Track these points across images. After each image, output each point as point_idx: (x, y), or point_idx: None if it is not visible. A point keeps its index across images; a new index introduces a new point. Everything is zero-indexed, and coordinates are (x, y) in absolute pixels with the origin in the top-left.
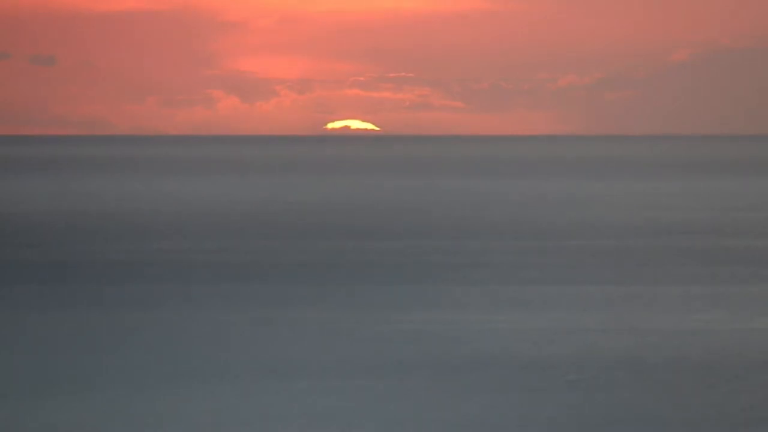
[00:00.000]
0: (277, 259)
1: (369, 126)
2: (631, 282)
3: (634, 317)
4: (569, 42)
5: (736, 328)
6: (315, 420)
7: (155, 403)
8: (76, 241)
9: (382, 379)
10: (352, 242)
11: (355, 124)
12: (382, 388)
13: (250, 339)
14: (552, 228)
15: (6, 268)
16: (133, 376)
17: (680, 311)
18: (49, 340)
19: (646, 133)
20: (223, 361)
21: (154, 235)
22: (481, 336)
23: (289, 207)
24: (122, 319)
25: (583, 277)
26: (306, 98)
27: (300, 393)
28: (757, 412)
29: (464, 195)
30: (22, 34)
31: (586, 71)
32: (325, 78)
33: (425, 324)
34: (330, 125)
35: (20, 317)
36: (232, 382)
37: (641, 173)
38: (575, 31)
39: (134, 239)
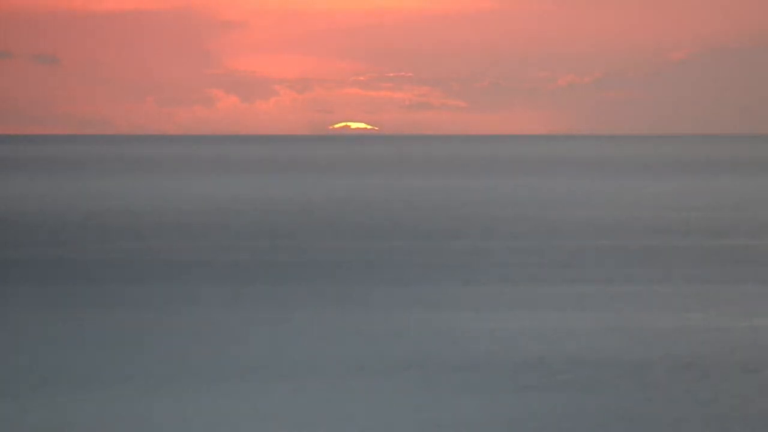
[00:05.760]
0: (275, 259)
1: (368, 125)
2: (628, 281)
3: (628, 317)
4: (569, 41)
5: (732, 327)
6: (313, 419)
7: (156, 403)
8: (77, 240)
9: (379, 378)
10: (351, 242)
11: (355, 123)
12: (378, 387)
13: (250, 339)
14: (550, 227)
15: (7, 267)
16: (134, 375)
17: (675, 310)
18: (50, 340)
19: (646, 132)
20: (223, 361)
21: (154, 235)
22: (475, 336)
23: (288, 206)
24: (123, 319)
25: (579, 277)
26: (306, 98)
27: (298, 392)
28: (750, 411)
29: (463, 194)
30: (24, 34)
31: (585, 70)
32: (325, 77)
33: (421, 323)
34: (335, 126)
35: (20, 317)
36: (231, 381)
37: (640, 172)
38: (575, 31)
39: (135, 238)
